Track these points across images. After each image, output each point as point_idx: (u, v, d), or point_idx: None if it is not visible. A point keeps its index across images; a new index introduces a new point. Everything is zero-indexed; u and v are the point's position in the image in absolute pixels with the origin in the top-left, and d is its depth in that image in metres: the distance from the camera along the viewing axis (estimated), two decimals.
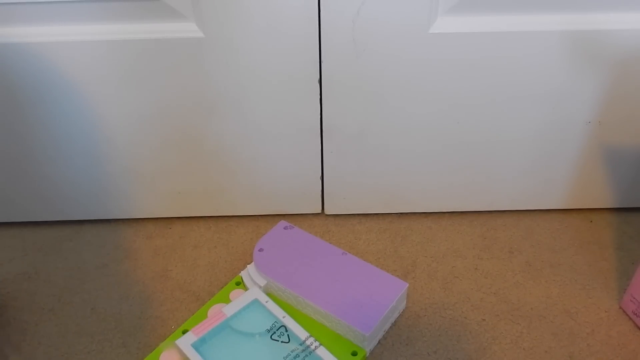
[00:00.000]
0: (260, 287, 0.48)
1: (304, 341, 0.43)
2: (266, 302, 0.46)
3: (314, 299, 0.45)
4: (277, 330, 0.44)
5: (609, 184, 0.56)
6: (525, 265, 0.52)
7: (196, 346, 0.43)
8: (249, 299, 0.46)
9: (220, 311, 0.45)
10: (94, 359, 0.45)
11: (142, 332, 0.47)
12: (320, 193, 0.57)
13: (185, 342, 0.43)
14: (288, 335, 0.44)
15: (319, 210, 0.59)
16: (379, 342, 0.46)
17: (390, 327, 0.47)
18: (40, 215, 0.58)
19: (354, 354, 0.44)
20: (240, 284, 0.50)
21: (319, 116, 0.51)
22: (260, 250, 0.50)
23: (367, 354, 0.45)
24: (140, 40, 0.46)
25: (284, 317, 0.45)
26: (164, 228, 0.58)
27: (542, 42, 0.46)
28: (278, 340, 0.44)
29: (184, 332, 0.45)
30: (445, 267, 0.52)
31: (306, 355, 0.42)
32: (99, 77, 0.48)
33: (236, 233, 0.57)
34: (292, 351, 0.43)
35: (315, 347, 0.43)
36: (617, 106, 0.50)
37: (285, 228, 0.52)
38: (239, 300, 0.46)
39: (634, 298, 0.46)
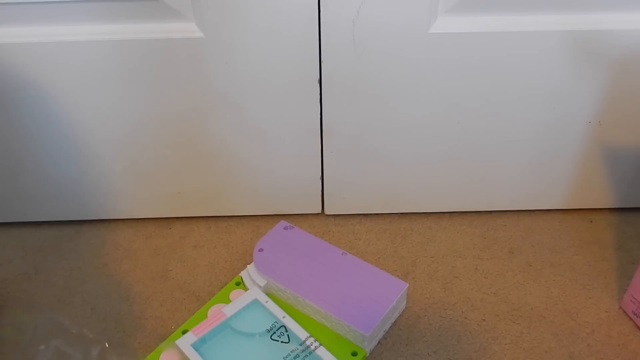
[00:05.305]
0: (260, 287, 0.48)
1: (304, 341, 0.43)
2: (266, 302, 0.46)
3: (314, 299, 0.45)
4: (277, 330, 0.44)
5: (609, 184, 0.56)
6: (525, 265, 0.52)
7: (196, 346, 0.43)
8: (249, 299, 0.46)
9: (220, 311, 0.45)
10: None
11: (142, 332, 0.47)
12: (320, 193, 0.57)
13: (185, 342, 0.43)
14: (288, 335, 0.44)
15: (319, 210, 0.59)
16: (379, 342, 0.46)
17: (390, 327, 0.47)
18: (40, 215, 0.58)
19: (354, 354, 0.44)
20: (240, 284, 0.50)
21: (319, 116, 0.51)
22: (260, 250, 0.50)
23: (367, 354, 0.45)
24: (140, 40, 0.46)
25: (284, 317, 0.45)
26: (164, 228, 0.58)
27: (542, 42, 0.46)
28: (278, 341, 0.44)
29: (184, 332, 0.45)
30: (445, 267, 0.52)
31: (306, 355, 0.42)
32: (99, 77, 0.48)
33: (236, 233, 0.57)
34: (292, 351, 0.43)
35: (315, 347, 0.43)
36: (617, 106, 0.50)
37: (285, 228, 0.52)
38: (239, 300, 0.46)
39: (634, 298, 0.46)
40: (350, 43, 0.46)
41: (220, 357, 0.43)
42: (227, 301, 0.48)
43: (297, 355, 0.42)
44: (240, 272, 0.51)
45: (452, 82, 0.48)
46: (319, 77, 0.48)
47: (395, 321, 0.47)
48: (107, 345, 0.43)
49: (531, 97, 0.49)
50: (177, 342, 0.43)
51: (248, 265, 0.50)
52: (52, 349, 0.42)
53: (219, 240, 0.56)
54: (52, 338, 0.43)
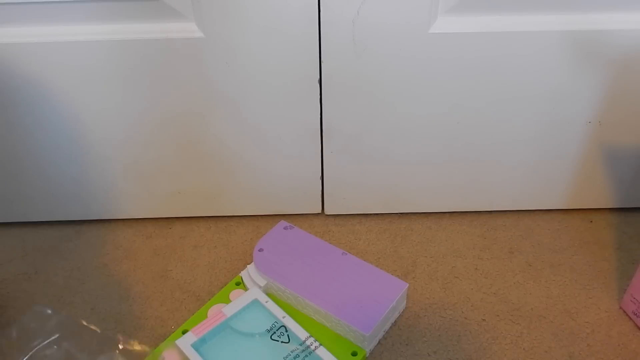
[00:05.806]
0: (260, 287, 0.48)
1: (304, 341, 0.43)
2: (266, 302, 0.46)
3: (314, 299, 0.45)
4: (277, 330, 0.44)
5: (609, 184, 0.56)
6: (525, 265, 0.52)
7: (196, 346, 0.43)
8: (249, 299, 0.46)
9: (220, 311, 0.45)
10: None
11: (142, 332, 0.47)
12: (320, 193, 0.57)
13: (185, 342, 0.43)
14: (288, 335, 0.44)
15: (319, 210, 0.59)
16: (379, 342, 0.46)
17: (390, 327, 0.47)
18: (40, 215, 0.58)
19: (354, 354, 0.44)
20: (240, 284, 0.50)
21: (319, 116, 0.51)
22: (260, 250, 0.50)
23: (367, 354, 0.45)
24: (140, 40, 0.46)
25: (284, 317, 0.45)
26: (164, 228, 0.58)
27: (542, 42, 0.46)
28: (278, 341, 0.44)
29: (184, 332, 0.45)
30: (445, 267, 0.52)
31: (306, 356, 0.42)
32: (99, 77, 0.48)
33: (236, 233, 0.57)
34: (292, 351, 0.43)
35: (315, 347, 0.43)
36: (617, 106, 0.50)
37: (285, 228, 0.52)
38: (239, 300, 0.46)
39: (634, 298, 0.46)
40: (350, 43, 0.46)
41: (220, 357, 0.43)
42: (227, 301, 0.48)
43: (297, 355, 0.42)
44: (240, 272, 0.51)
45: (452, 82, 0.48)
46: (319, 77, 0.48)
47: (395, 321, 0.47)
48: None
49: (531, 97, 0.49)
50: (177, 342, 0.43)
51: (248, 265, 0.50)
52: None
53: (219, 240, 0.56)
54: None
